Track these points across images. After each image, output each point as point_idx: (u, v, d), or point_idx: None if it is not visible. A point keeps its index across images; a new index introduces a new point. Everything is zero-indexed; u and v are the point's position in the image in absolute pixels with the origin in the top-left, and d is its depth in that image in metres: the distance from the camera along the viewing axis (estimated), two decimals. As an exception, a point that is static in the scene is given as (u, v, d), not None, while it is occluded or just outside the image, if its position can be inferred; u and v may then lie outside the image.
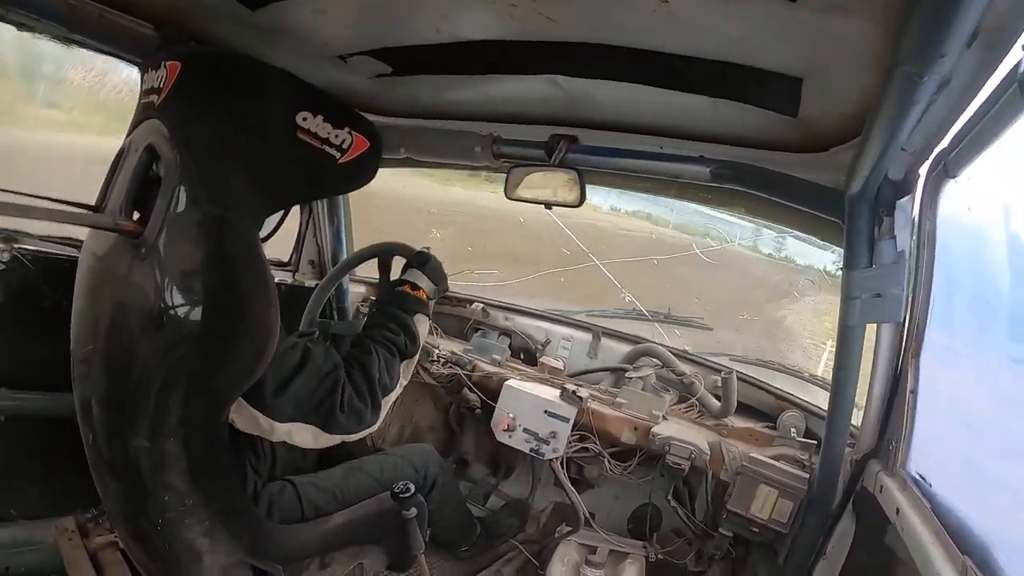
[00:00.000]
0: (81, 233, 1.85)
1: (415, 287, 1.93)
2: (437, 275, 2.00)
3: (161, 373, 1.43)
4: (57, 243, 2.16)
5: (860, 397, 1.70)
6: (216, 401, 1.48)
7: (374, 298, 3.15)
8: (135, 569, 1.91)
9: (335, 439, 1.66)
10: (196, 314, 1.42)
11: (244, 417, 1.56)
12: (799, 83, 1.32)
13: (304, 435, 1.61)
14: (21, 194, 1.50)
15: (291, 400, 1.56)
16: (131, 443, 1.48)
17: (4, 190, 1.46)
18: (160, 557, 1.63)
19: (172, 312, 1.41)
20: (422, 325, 1.90)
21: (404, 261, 2.08)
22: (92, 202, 1.65)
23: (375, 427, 1.75)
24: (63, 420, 1.81)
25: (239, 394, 1.49)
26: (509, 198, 2.18)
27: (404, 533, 1.98)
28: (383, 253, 2.29)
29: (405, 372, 1.84)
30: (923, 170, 1.45)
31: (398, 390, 1.80)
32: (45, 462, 2.14)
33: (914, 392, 1.57)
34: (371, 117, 1.69)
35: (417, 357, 1.90)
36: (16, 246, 2.01)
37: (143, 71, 1.69)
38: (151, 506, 1.53)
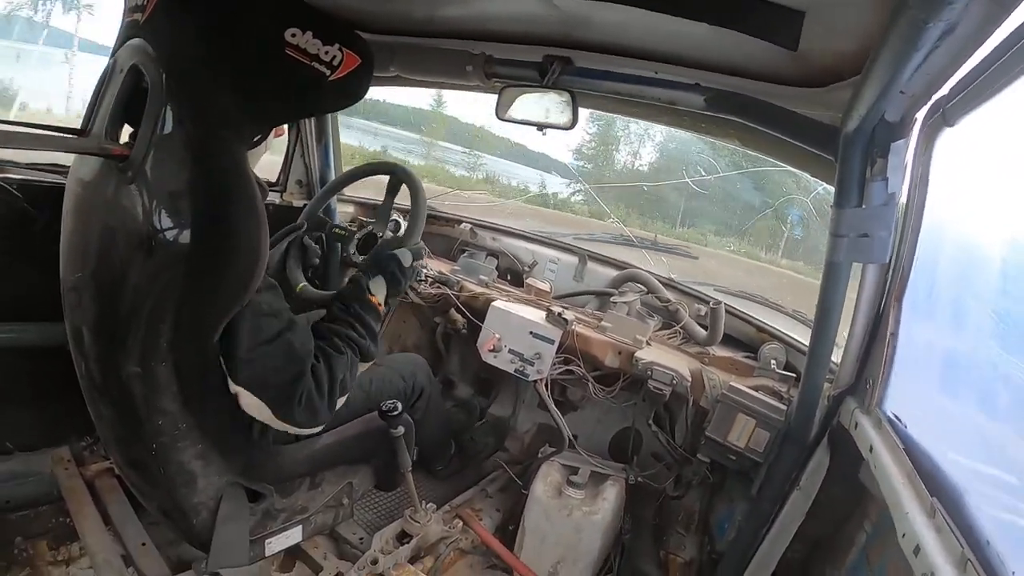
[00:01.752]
0: (68, 159, 1.80)
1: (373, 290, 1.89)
2: (397, 290, 1.98)
3: (151, 297, 1.42)
4: (44, 170, 2.12)
5: (841, 336, 1.72)
6: (206, 324, 1.47)
7: (362, 218, 3.12)
8: (131, 494, 1.94)
9: (283, 426, 1.61)
10: (184, 236, 1.39)
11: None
12: (801, 16, 1.28)
13: (253, 405, 1.56)
14: (3, 121, 1.45)
15: (253, 367, 1.53)
16: (123, 369, 1.47)
17: None
18: (155, 481, 1.65)
19: (161, 235, 1.38)
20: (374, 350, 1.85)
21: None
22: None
23: (320, 429, 1.73)
24: (55, 349, 1.80)
25: (230, 316, 1.48)
26: (500, 118, 2.14)
27: (392, 451, 2.02)
28: (393, 174, 2.29)
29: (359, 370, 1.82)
30: (921, 115, 1.43)
31: (351, 389, 1.77)
32: (38, 393, 2.15)
33: (894, 334, 1.59)
34: (362, 34, 1.63)
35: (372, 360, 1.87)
36: (1, 176, 1.96)
37: None
38: (145, 431, 1.54)
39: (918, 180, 1.52)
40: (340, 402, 1.71)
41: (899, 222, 1.53)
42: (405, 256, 1.99)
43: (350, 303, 1.81)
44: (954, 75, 1.21)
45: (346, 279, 2.41)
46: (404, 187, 2.28)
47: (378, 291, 1.88)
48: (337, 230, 2.47)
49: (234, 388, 1.53)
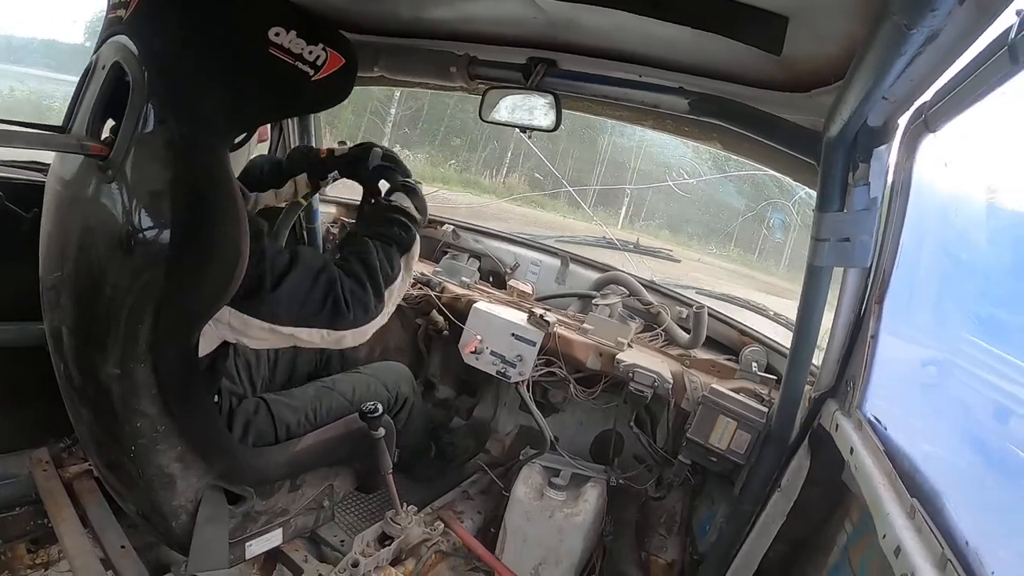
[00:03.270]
0: (48, 157, 1.78)
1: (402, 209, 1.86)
2: (423, 206, 1.93)
3: (130, 298, 1.40)
4: (23, 168, 2.09)
5: (822, 339, 1.73)
6: (186, 325, 1.46)
7: (345, 219, 3.11)
8: (110, 496, 1.92)
9: (346, 336, 1.64)
10: (164, 236, 1.37)
11: (247, 330, 1.54)
12: (785, 21, 1.29)
13: (312, 337, 1.59)
14: None
15: (288, 300, 1.53)
16: (102, 370, 1.46)
17: None
18: (134, 484, 1.63)
19: (140, 235, 1.37)
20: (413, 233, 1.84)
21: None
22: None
23: (384, 317, 1.73)
24: (34, 350, 1.79)
25: (210, 317, 1.47)
26: (483, 120, 2.14)
27: (373, 454, 2.02)
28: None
29: (407, 267, 1.79)
30: (903, 120, 1.44)
31: (400, 281, 1.75)
32: (17, 393, 2.12)
33: (875, 337, 1.61)
34: (346, 34, 1.62)
35: (417, 253, 1.85)
36: None
37: None
38: (124, 433, 1.52)
39: (900, 185, 1.54)
40: (391, 291, 1.72)
41: (880, 226, 1.54)
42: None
43: (376, 210, 1.85)
44: (936, 81, 1.22)
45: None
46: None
47: (406, 203, 1.86)
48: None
49: (287, 333, 1.55)
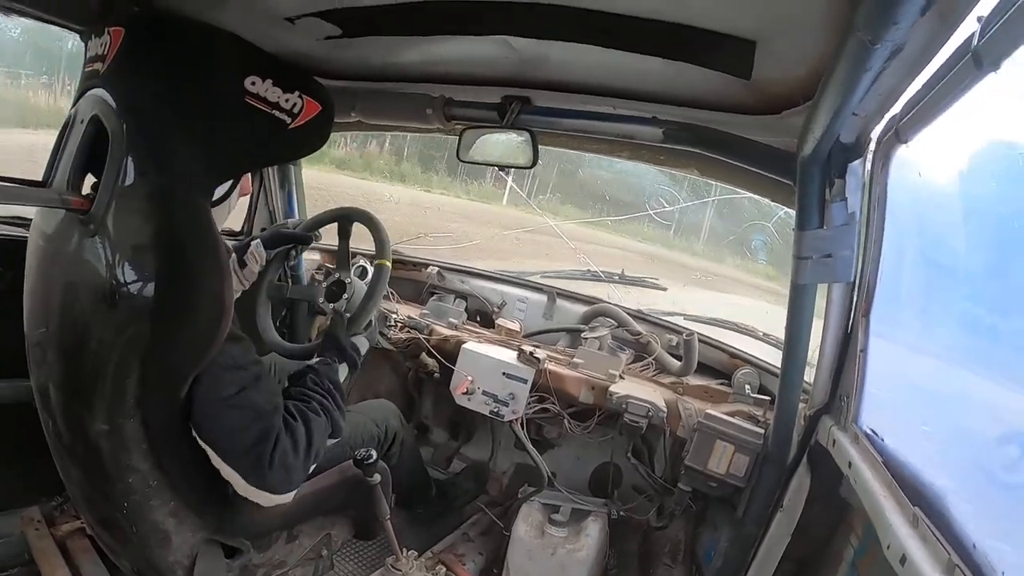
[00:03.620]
0: (31, 212, 1.77)
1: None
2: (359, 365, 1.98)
3: (116, 353, 1.39)
4: (5, 223, 2.08)
5: (812, 355, 1.74)
6: (173, 379, 1.44)
7: (329, 265, 3.11)
8: (104, 554, 1.88)
9: (258, 495, 1.52)
10: (148, 290, 1.37)
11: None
12: (752, 45, 1.31)
13: (224, 471, 1.50)
14: None
15: (215, 423, 1.48)
16: (91, 427, 1.44)
17: None
18: (128, 541, 1.61)
19: (124, 289, 1.37)
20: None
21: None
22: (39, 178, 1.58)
23: (291, 496, 1.58)
24: (22, 407, 1.76)
25: (197, 370, 1.45)
26: (461, 160, 2.16)
27: (369, 500, 1.98)
28: (342, 218, 2.26)
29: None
30: (875, 134, 1.47)
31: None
32: (6, 451, 2.08)
33: (864, 350, 1.62)
34: (322, 81, 1.63)
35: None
36: None
37: (86, 39, 1.61)
38: (115, 490, 1.50)
39: (876, 197, 1.56)
40: (309, 470, 1.63)
41: (860, 240, 1.56)
42: (363, 344, 2.04)
43: (322, 379, 1.77)
44: (904, 93, 1.25)
45: (313, 334, 2.38)
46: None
47: (342, 375, 1.88)
48: (299, 289, 2.44)
49: (203, 444, 1.48)
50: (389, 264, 2.14)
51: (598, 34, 1.45)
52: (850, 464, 1.48)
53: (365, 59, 2.00)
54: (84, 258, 1.41)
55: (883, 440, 1.48)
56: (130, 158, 1.38)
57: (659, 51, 1.45)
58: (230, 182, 1.74)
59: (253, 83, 1.47)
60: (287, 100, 1.52)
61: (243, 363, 1.53)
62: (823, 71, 1.20)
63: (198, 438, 1.48)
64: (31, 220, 1.67)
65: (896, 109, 1.34)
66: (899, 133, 1.38)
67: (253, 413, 1.50)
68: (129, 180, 1.38)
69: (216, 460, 1.49)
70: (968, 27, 0.99)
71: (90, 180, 1.53)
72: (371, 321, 2.11)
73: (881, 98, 1.27)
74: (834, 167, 1.49)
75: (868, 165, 1.51)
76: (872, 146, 1.49)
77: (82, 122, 1.48)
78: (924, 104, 1.23)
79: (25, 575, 2.07)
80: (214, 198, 1.64)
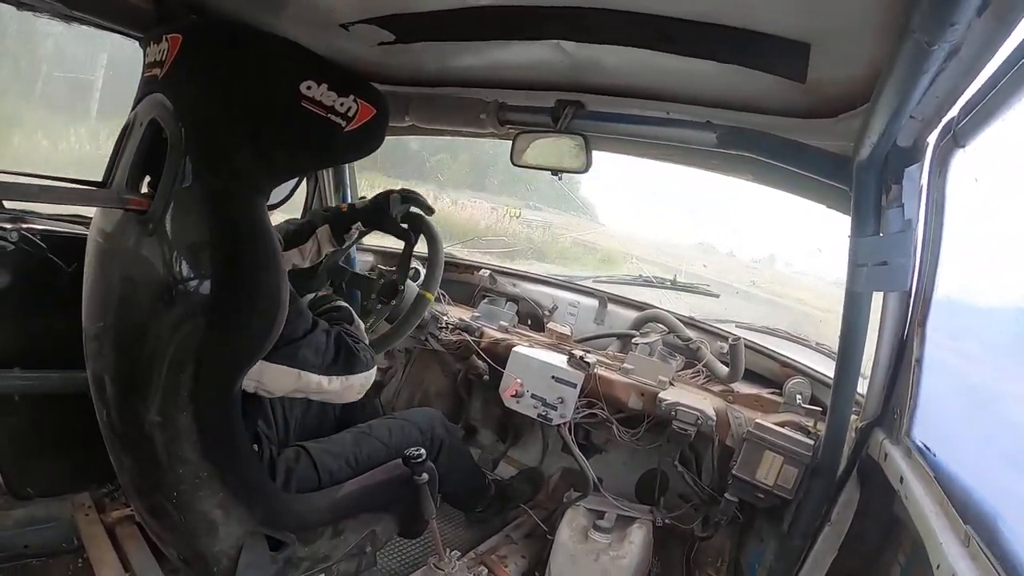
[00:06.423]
0: (89, 211, 1.84)
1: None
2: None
3: (172, 347, 1.43)
4: (66, 221, 2.17)
5: (865, 366, 1.70)
6: (227, 373, 1.49)
7: (383, 267, 3.15)
8: (151, 542, 1.94)
9: (353, 384, 1.78)
10: (204, 288, 1.41)
11: (266, 378, 1.61)
12: (807, 48, 1.30)
13: (333, 385, 1.72)
14: (25, 175, 1.49)
15: (313, 352, 1.67)
16: (144, 418, 1.48)
17: (8, 172, 1.46)
18: (176, 529, 1.64)
19: (181, 287, 1.41)
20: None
21: None
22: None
23: (374, 372, 1.86)
24: (77, 397, 1.81)
25: (250, 366, 1.51)
26: (515, 164, 2.17)
27: (416, 499, 2.01)
28: (418, 224, 2.31)
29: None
30: (932, 138, 1.43)
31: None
32: (60, 439, 2.16)
33: (919, 361, 1.57)
34: (377, 85, 1.66)
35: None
36: (24, 226, 2.01)
37: (145, 45, 1.67)
38: (165, 480, 1.54)
39: (934, 204, 1.52)
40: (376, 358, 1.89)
41: (918, 247, 1.52)
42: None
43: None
44: (962, 96, 1.22)
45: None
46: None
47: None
48: (358, 277, 2.48)
49: (314, 378, 1.69)
50: (432, 298, 2.22)
51: (651, 38, 1.45)
52: (902, 479, 1.45)
53: (419, 64, 2.03)
54: (142, 256, 1.45)
55: (935, 455, 1.44)
56: (187, 160, 1.42)
57: (713, 55, 1.44)
58: (293, 182, 1.80)
59: (309, 87, 1.50)
60: (342, 104, 1.55)
61: (301, 307, 1.70)
62: (879, 74, 1.18)
63: (307, 375, 1.68)
64: (91, 218, 1.74)
65: (953, 112, 1.30)
66: (956, 137, 1.35)
67: (324, 331, 1.74)
68: (187, 182, 1.42)
69: (320, 380, 1.70)
70: (1026, 28, 0.97)
71: (148, 181, 1.58)
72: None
73: (938, 101, 1.23)
74: (890, 172, 1.45)
75: (926, 170, 1.47)
76: (929, 151, 1.46)
77: (141, 125, 1.53)
78: (982, 108, 1.20)
79: (73, 559, 2.16)
80: (272, 201, 1.69)
